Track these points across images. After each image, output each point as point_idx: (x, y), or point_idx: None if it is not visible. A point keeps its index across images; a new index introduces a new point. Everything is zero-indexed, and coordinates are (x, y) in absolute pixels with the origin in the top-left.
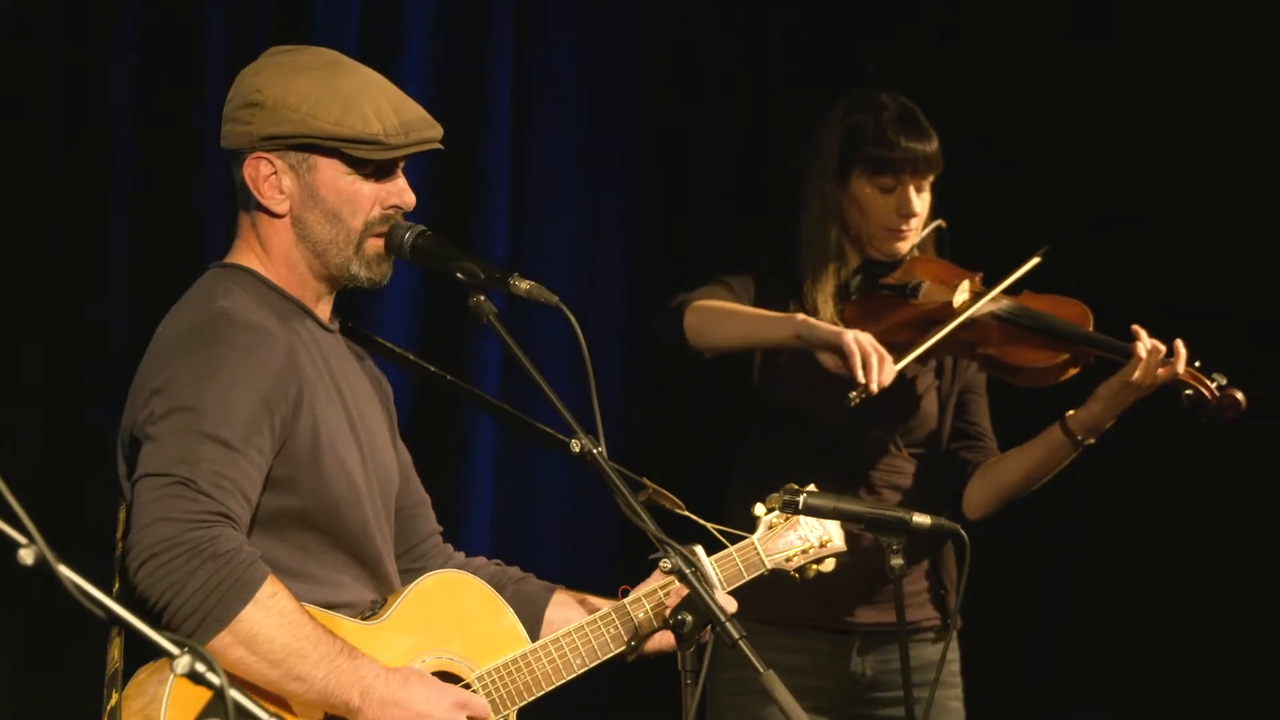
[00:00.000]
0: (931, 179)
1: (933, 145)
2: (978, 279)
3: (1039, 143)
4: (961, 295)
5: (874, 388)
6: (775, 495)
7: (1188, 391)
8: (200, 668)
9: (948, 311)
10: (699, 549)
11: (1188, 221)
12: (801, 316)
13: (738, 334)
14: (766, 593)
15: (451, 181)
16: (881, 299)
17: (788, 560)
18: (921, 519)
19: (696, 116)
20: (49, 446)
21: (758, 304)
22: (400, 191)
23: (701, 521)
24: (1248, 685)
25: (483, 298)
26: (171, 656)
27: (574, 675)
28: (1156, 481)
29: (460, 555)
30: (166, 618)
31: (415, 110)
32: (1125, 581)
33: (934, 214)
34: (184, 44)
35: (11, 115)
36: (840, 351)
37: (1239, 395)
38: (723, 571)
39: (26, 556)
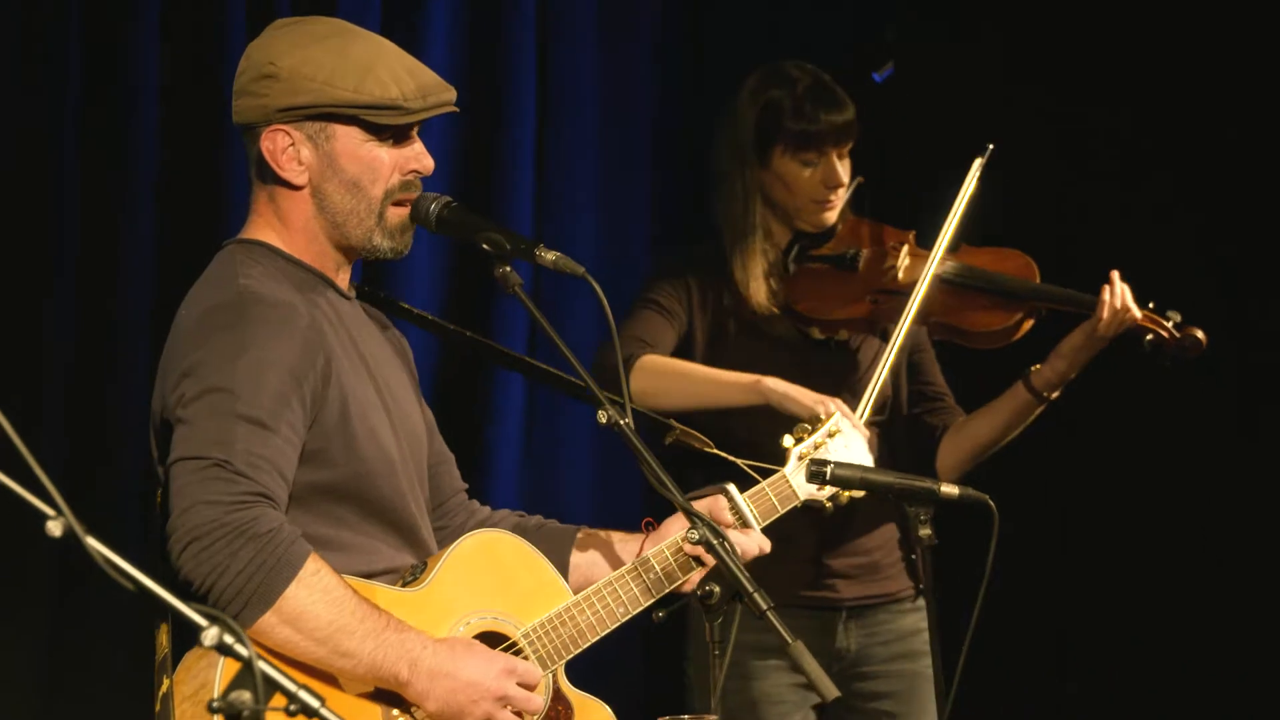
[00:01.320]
0: (851, 145)
1: (850, 112)
2: (910, 237)
3: (1061, 113)
4: (904, 261)
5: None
6: (803, 425)
7: (1149, 337)
8: (229, 639)
9: (892, 279)
10: (731, 487)
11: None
12: (769, 382)
13: (692, 399)
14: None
15: (475, 171)
16: (820, 271)
17: (820, 489)
18: (950, 489)
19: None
20: (70, 429)
21: (701, 304)
22: (419, 155)
23: (731, 458)
24: (1244, 695)
25: (509, 268)
26: (199, 628)
27: (618, 624)
28: (1155, 485)
29: (485, 510)
30: (211, 600)
31: (429, 74)
32: (1122, 589)
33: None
34: (205, 27)
35: (31, 102)
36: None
37: (1198, 333)
38: (757, 508)
39: (55, 528)
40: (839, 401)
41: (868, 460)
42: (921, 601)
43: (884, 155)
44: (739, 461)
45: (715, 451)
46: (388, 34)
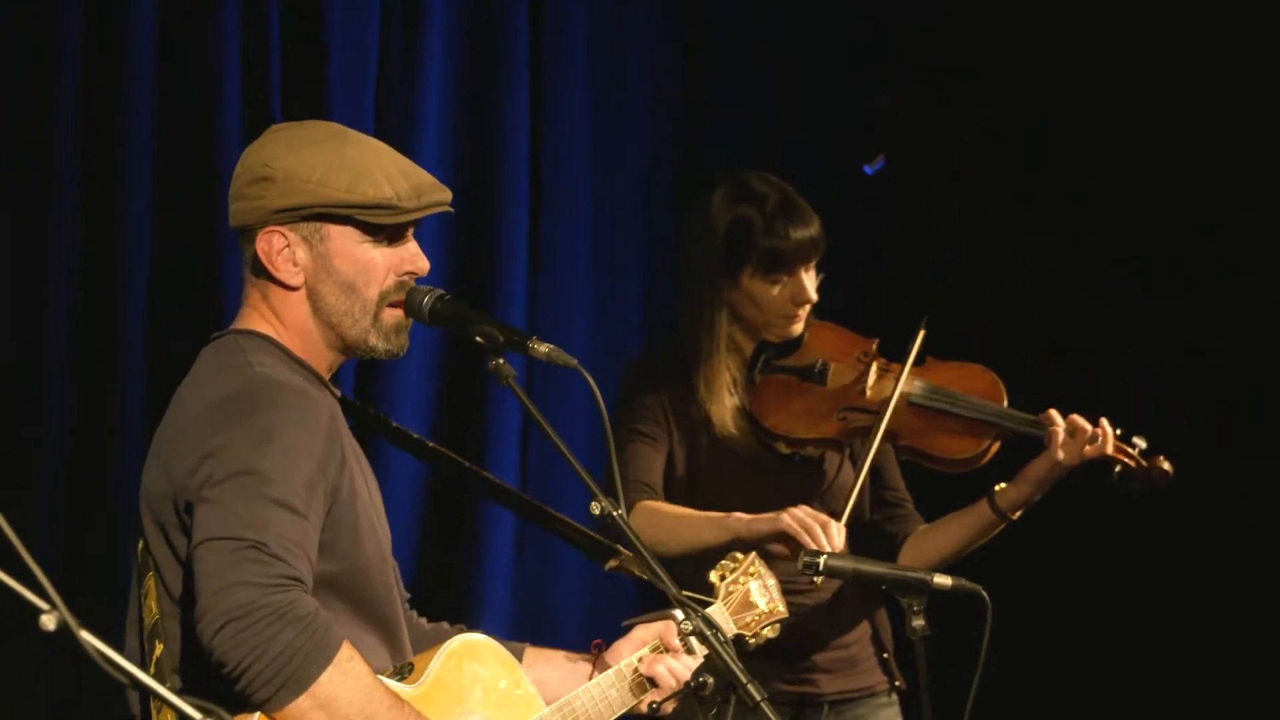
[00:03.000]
0: (818, 259)
1: (817, 227)
2: (874, 348)
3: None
4: (872, 378)
5: (831, 548)
6: (725, 562)
7: (1117, 468)
8: None
9: (859, 396)
10: (679, 613)
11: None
12: (735, 516)
13: (681, 547)
14: None
15: (470, 243)
16: (787, 383)
17: (745, 625)
18: (943, 580)
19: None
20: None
21: (676, 421)
22: (414, 257)
23: (668, 590)
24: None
25: (502, 360)
26: None
27: None
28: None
29: (422, 620)
30: (246, 681)
31: (424, 175)
32: (1102, 633)
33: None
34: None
35: (28, 144)
36: (783, 535)
37: (1165, 464)
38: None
39: (49, 622)
40: (802, 507)
41: (781, 602)
42: (894, 698)
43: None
44: (673, 595)
45: (651, 579)
46: (380, 123)
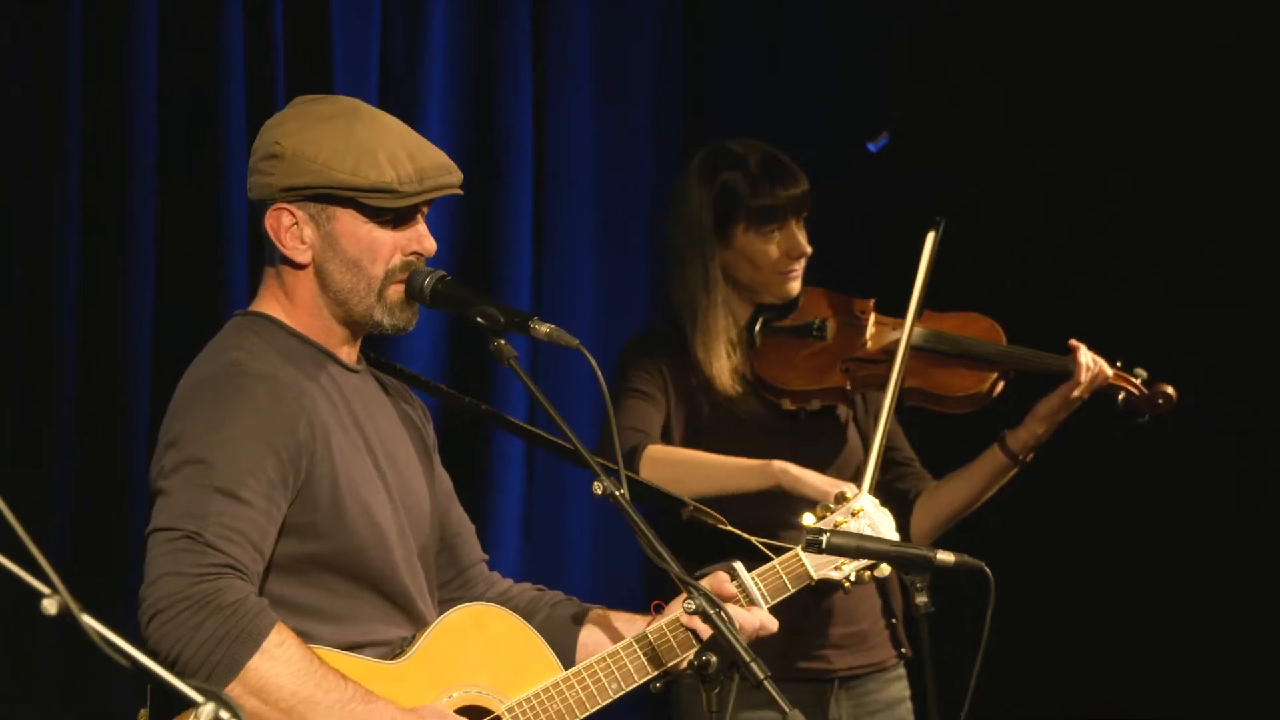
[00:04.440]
0: (807, 214)
1: (804, 182)
2: (871, 305)
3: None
4: (872, 329)
5: None
6: (825, 505)
7: (1120, 396)
8: (225, 715)
9: (861, 346)
10: (738, 565)
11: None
12: (780, 465)
13: (703, 487)
14: None
15: (474, 224)
16: (788, 342)
17: (837, 569)
18: (945, 556)
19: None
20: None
21: (676, 390)
22: (420, 238)
23: (744, 535)
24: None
25: (503, 341)
26: (195, 705)
27: (607, 701)
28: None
29: (506, 582)
30: (177, 671)
31: (432, 157)
32: (1122, 649)
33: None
34: (206, 91)
35: (32, 157)
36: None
37: (1168, 388)
38: (766, 586)
39: (50, 606)
40: (851, 486)
41: (891, 534)
42: (902, 669)
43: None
44: (754, 539)
45: (730, 529)
46: (384, 100)
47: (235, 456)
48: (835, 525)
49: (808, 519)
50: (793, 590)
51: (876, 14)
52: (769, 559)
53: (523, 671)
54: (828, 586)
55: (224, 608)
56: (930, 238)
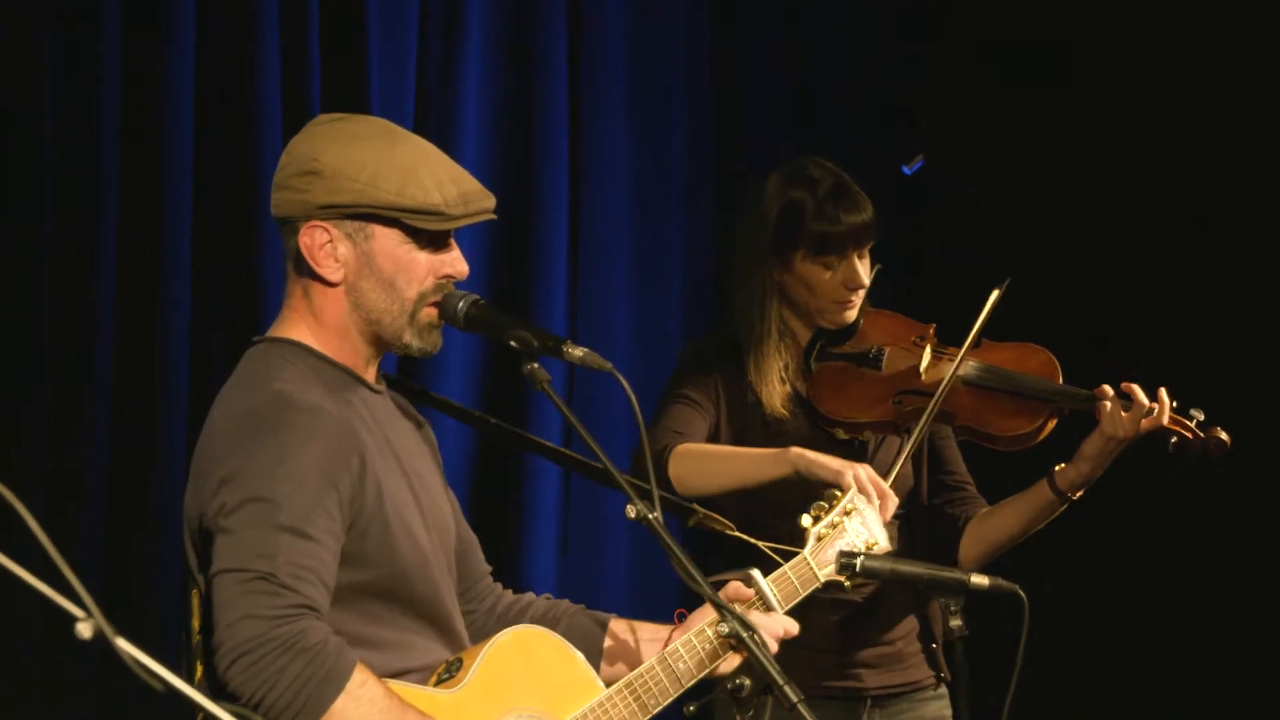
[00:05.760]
0: (871, 244)
1: (869, 212)
2: (931, 332)
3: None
4: (927, 361)
5: (884, 520)
6: (820, 504)
7: (1173, 439)
8: None
9: (914, 379)
10: (755, 572)
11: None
12: (797, 451)
13: (728, 479)
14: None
15: (510, 247)
16: (843, 370)
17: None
18: (980, 579)
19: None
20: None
21: (728, 401)
22: (454, 261)
23: (752, 540)
24: None
25: (536, 365)
26: None
27: (649, 716)
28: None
29: (509, 594)
30: (261, 714)
31: (471, 181)
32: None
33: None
34: (240, 107)
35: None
36: (841, 488)
37: (1223, 435)
38: (780, 591)
39: (84, 630)
40: (867, 467)
41: (883, 534)
42: (943, 690)
43: (910, 248)
44: (760, 544)
45: (736, 534)
46: (419, 124)
47: (298, 493)
48: (832, 525)
49: (805, 520)
50: (804, 594)
51: (910, 47)
52: (775, 563)
53: (568, 692)
54: (832, 587)
55: (307, 650)
56: (994, 296)
